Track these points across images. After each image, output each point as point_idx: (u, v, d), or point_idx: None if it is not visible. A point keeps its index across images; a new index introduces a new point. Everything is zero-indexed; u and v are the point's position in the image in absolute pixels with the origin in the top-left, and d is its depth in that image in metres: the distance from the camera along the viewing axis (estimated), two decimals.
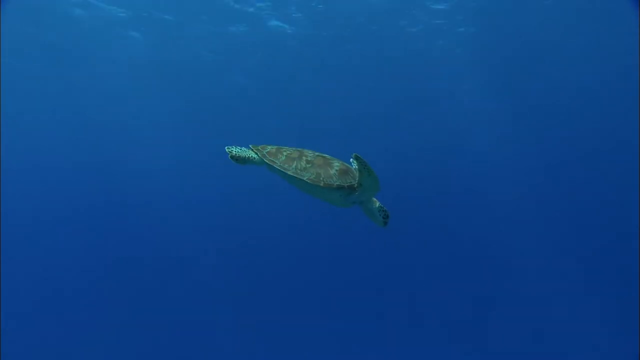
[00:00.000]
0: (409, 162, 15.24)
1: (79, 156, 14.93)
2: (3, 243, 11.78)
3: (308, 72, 13.92)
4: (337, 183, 4.21)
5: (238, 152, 4.65)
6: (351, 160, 4.52)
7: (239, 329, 12.30)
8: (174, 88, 14.26)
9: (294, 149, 4.59)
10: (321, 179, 4.23)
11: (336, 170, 4.29)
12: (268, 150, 4.56)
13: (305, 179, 4.26)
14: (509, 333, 11.99)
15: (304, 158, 4.40)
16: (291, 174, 4.31)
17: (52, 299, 12.50)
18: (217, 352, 11.84)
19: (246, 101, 14.80)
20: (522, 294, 12.71)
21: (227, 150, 4.66)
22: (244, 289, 13.32)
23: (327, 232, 13.85)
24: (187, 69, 13.60)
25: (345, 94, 14.56)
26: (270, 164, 4.43)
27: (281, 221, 14.44)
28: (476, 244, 13.49)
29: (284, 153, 4.49)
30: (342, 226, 12.56)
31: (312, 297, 13.31)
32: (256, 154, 4.61)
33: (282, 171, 4.36)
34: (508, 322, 12.21)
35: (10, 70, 12.40)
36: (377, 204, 4.37)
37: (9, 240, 12.11)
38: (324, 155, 4.56)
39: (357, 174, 4.18)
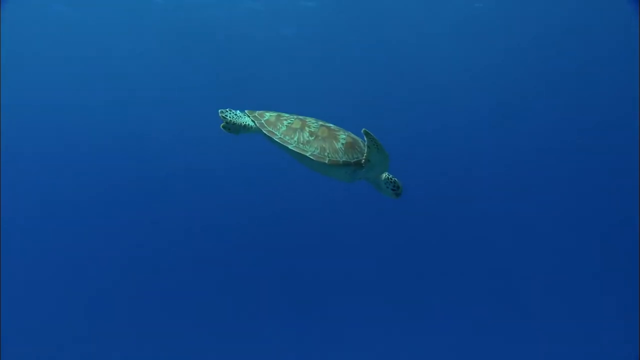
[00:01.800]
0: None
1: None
2: (3, 242, 11.72)
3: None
4: (344, 159, 3.76)
5: (233, 117, 4.08)
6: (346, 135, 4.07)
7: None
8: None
9: (295, 116, 4.03)
10: (326, 154, 3.76)
11: (342, 143, 3.81)
12: (267, 118, 4.00)
13: (308, 154, 3.78)
14: (507, 331, 11.96)
15: (306, 129, 3.88)
16: (293, 148, 3.82)
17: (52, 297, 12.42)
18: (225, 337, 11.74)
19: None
20: (522, 292, 12.70)
21: (220, 114, 4.09)
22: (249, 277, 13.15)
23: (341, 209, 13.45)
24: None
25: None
26: (269, 135, 3.90)
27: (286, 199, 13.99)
28: (477, 242, 13.46)
29: (285, 122, 3.93)
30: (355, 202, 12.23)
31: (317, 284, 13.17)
32: (253, 121, 4.05)
33: (282, 144, 3.87)
34: (506, 320, 12.19)
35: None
36: (384, 175, 3.89)
37: (8, 237, 12.05)
38: (328, 125, 4.01)
39: (365, 147, 3.71)
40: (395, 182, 3.89)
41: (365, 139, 3.53)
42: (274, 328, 11.99)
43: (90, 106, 14.34)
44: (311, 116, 4.17)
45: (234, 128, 4.10)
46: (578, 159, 13.49)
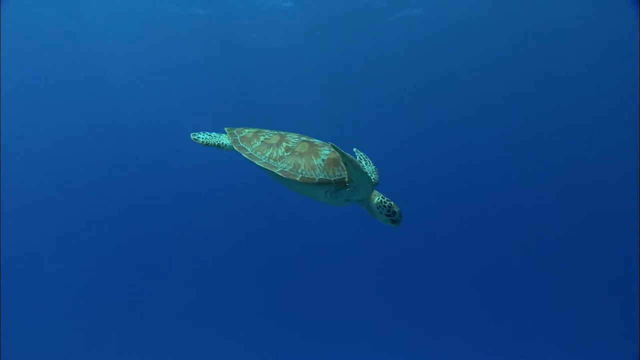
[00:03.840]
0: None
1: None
2: (4, 243, 11.81)
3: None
4: (320, 177, 3.24)
5: (205, 139, 3.90)
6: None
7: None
8: None
9: (275, 132, 3.64)
10: (299, 171, 3.26)
11: (323, 159, 3.29)
12: (244, 134, 3.68)
13: (277, 171, 3.29)
14: (507, 332, 11.98)
15: (283, 144, 3.44)
16: (260, 164, 3.37)
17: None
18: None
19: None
20: (521, 292, 12.70)
21: (192, 137, 3.92)
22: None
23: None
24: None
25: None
26: (240, 151, 3.53)
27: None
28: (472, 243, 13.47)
29: (261, 138, 3.56)
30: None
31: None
32: (228, 139, 3.76)
33: (250, 161, 3.45)
34: (506, 321, 12.21)
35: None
36: (377, 198, 3.24)
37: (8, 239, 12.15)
38: (311, 140, 3.54)
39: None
40: (390, 206, 3.21)
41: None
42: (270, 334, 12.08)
43: (89, 110, 14.42)
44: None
45: (211, 145, 3.92)
46: (578, 160, 13.45)
